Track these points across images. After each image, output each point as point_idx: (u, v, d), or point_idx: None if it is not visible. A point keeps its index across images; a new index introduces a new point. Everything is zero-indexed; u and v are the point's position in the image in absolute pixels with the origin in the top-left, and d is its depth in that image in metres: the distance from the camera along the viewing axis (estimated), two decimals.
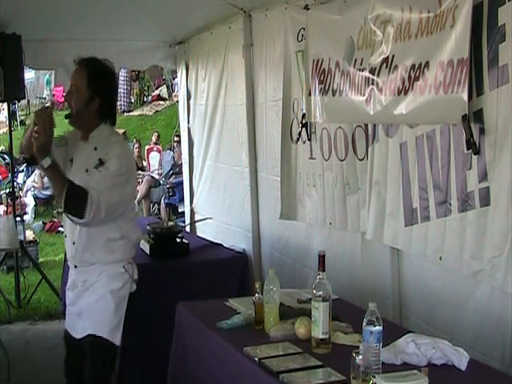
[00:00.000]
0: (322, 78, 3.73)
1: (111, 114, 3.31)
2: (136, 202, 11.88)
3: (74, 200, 3.05)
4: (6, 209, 10.31)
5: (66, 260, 5.98)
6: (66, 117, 3.23)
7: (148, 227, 4.87)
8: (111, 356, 3.31)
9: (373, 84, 3.21)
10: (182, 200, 8.36)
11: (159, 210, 11.62)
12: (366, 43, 3.31)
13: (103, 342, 3.20)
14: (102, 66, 3.25)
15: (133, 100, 19.63)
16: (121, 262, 3.29)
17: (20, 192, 11.50)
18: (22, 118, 17.88)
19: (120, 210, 3.23)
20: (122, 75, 18.41)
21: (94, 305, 3.23)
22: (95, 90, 3.17)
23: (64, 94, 3.24)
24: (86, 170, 3.19)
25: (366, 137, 3.55)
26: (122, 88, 18.87)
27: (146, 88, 20.07)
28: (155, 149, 13.53)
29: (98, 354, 3.24)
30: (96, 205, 3.04)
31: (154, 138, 13.84)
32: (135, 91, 19.84)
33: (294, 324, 2.82)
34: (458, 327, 2.97)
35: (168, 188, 11.36)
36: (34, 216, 11.72)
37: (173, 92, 16.02)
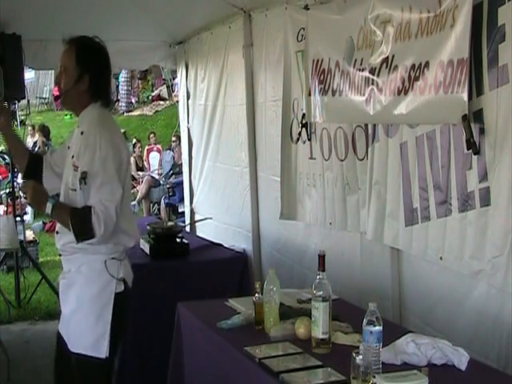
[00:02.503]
0: (321, 77, 3.73)
1: (103, 94, 3.10)
2: (136, 201, 11.91)
3: (81, 224, 2.91)
4: (6, 209, 10.30)
5: None
6: (56, 99, 3.06)
7: (148, 227, 4.87)
8: (100, 371, 3.02)
9: (373, 84, 3.21)
10: (181, 200, 8.36)
11: (159, 209, 11.62)
12: (365, 43, 3.31)
13: (86, 359, 2.98)
14: (91, 43, 3.08)
15: (133, 100, 19.57)
16: (102, 255, 3.00)
17: (20, 192, 11.49)
18: (22, 117, 17.84)
19: (123, 201, 3.01)
20: (123, 76, 18.40)
21: (73, 317, 3.04)
22: (84, 69, 3.01)
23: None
24: (72, 157, 3.04)
25: (366, 137, 3.55)
26: (122, 89, 18.87)
27: (151, 84, 19.91)
28: (155, 149, 13.54)
29: (84, 373, 3.03)
30: (103, 212, 2.87)
31: (151, 140, 13.85)
32: (140, 88, 19.71)
33: (293, 324, 2.82)
34: (455, 327, 2.98)
35: (168, 188, 11.36)
36: (33, 216, 11.70)
37: (173, 92, 16.02)
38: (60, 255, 3.15)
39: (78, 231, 2.91)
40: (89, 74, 3.02)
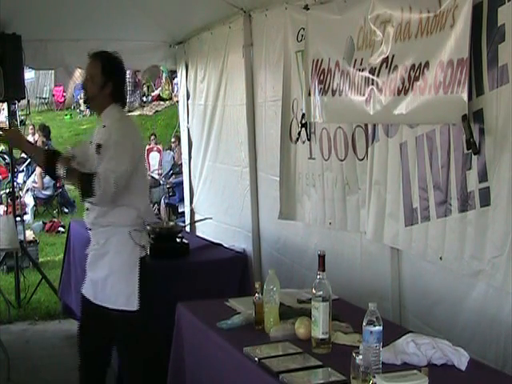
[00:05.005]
0: (321, 77, 3.73)
1: (122, 97, 3.82)
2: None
3: (86, 184, 3.51)
4: (6, 209, 10.29)
5: (64, 260, 6.03)
6: (85, 102, 3.92)
7: (148, 227, 4.86)
8: (133, 321, 3.62)
9: (373, 84, 3.21)
10: (182, 200, 8.36)
11: (159, 209, 11.60)
12: (365, 43, 3.31)
13: (122, 314, 3.60)
14: (113, 57, 3.76)
15: (138, 99, 19.44)
16: (126, 227, 3.63)
17: (20, 192, 11.49)
18: (22, 117, 17.83)
19: (128, 178, 3.57)
20: (127, 76, 18.37)
21: (108, 281, 3.64)
22: (108, 77, 3.67)
23: (82, 82, 3.98)
24: (91, 142, 3.71)
25: (366, 137, 3.55)
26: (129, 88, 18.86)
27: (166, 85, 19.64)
28: (155, 149, 13.53)
29: (121, 324, 3.63)
30: (104, 180, 3.46)
31: (152, 142, 13.84)
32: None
33: (294, 324, 2.82)
34: (454, 327, 2.98)
35: (168, 188, 11.36)
36: (33, 216, 11.70)
37: (172, 92, 16.01)
38: (90, 229, 3.76)
39: (82, 191, 3.56)
40: (112, 81, 3.68)
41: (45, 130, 14.33)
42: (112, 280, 3.64)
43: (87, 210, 3.73)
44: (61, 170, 3.60)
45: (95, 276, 3.73)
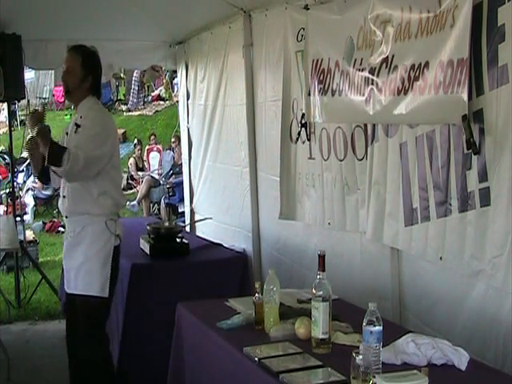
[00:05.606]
0: (321, 77, 3.73)
1: (98, 90, 3.93)
2: (136, 201, 11.91)
3: (54, 153, 3.52)
4: (6, 209, 10.30)
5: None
6: (65, 93, 3.92)
7: (148, 227, 4.87)
8: (102, 308, 3.77)
9: (372, 84, 3.21)
10: (181, 200, 8.36)
11: (159, 209, 11.61)
12: (365, 43, 3.31)
13: (93, 300, 3.70)
14: (92, 51, 3.86)
15: (142, 100, 19.42)
16: (102, 217, 3.73)
17: (20, 192, 11.49)
18: (22, 117, 17.81)
19: (100, 165, 3.69)
20: (135, 76, 18.40)
21: (82, 268, 3.72)
22: (88, 70, 3.78)
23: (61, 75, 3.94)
24: (67, 134, 3.81)
25: (366, 137, 3.55)
26: (134, 88, 18.85)
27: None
28: (155, 149, 13.54)
29: (90, 310, 3.72)
30: (74, 156, 3.51)
31: (152, 142, 13.85)
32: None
33: (294, 324, 2.83)
34: (454, 327, 2.98)
35: (168, 188, 11.36)
36: (33, 216, 11.70)
37: (172, 92, 16.01)
38: (66, 217, 3.84)
39: (50, 156, 3.53)
40: (91, 75, 3.79)
41: None
42: (86, 268, 3.71)
43: (63, 197, 3.82)
44: (32, 131, 3.60)
45: (69, 265, 3.82)
